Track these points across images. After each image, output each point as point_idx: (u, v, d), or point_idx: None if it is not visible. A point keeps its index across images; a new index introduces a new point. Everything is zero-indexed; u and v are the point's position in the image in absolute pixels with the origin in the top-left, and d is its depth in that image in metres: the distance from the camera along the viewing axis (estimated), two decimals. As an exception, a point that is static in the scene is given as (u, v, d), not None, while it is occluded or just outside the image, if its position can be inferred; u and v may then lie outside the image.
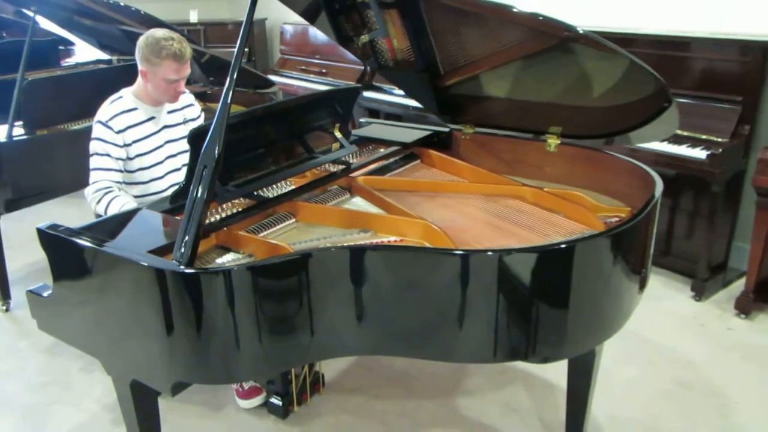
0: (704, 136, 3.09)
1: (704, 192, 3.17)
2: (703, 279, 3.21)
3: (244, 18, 1.72)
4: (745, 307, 3.06)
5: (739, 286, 3.22)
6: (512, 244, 1.78)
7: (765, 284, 3.10)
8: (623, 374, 2.65)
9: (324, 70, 5.17)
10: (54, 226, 1.71)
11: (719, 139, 3.03)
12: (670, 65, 3.26)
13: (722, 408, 2.46)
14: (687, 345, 2.86)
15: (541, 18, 1.73)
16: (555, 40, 1.82)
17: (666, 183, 3.32)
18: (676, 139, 3.13)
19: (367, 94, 4.63)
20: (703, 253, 3.19)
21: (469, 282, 1.54)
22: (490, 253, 1.54)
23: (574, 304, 1.61)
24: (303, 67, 5.38)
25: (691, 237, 3.38)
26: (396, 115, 4.83)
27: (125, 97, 2.40)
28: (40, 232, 1.70)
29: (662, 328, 2.98)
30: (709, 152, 2.95)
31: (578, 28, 1.69)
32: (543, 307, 1.60)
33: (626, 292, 1.76)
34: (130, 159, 2.37)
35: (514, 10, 1.74)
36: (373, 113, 4.96)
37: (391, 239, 1.79)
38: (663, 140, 3.13)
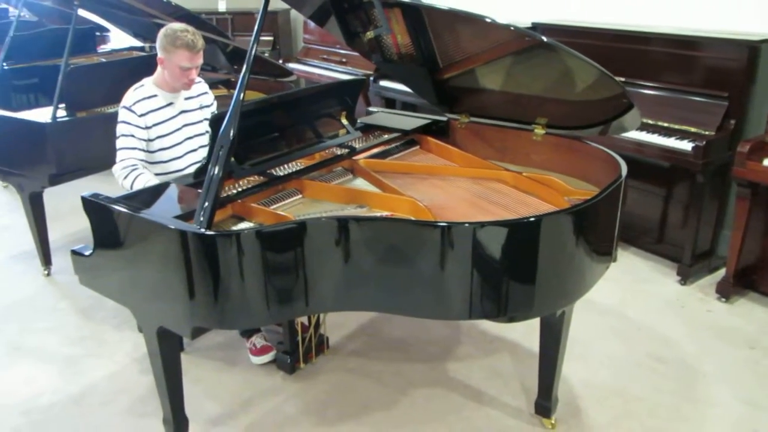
0: (693, 129, 3.28)
1: (693, 182, 3.37)
2: (688, 264, 3.42)
3: (272, 12, 1.98)
4: (725, 291, 3.27)
5: (724, 272, 3.42)
6: (487, 219, 2.03)
7: (745, 270, 3.30)
8: (602, 347, 2.89)
9: (344, 60, 5.40)
10: (96, 195, 2.01)
11: (706, 132, 3.23)
12: (661, 61, 3.47)
13: (691, 380, 2.68)
14: (666, 324, 3.08)
15: (512, 28, 1.97)
16: (532, 42, 2.06)
17: (660, 173, 3.58)
18: (666, 132, 3.34)
19: (383, 83, 4.87)
20: (688, 241, 3.40)
21: (446, 251, 1.80)
22: (466, 225, 1.80)
23: (540, 272, 1.85)
24: (325, 56, 5.62)
25: (681, 225, 3.59)
26: (411, 104, 5.08)
27: (146, 85, 2.68)
28: (84, 199, 2.00)
29: (645, 308, 3.21)
30: (694, 144, 3.15)
31: (543, 38, 1.92)
32: (512, 273, 1.85)
33: (588, 263, 1.99)
34: (151, 140, 2.65)
35: (488, 20, 1.98)
36: (390, 102, 5.20)
37: (383, 214, 2.06)
38: (654, 132, 3.34)
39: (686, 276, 3.44)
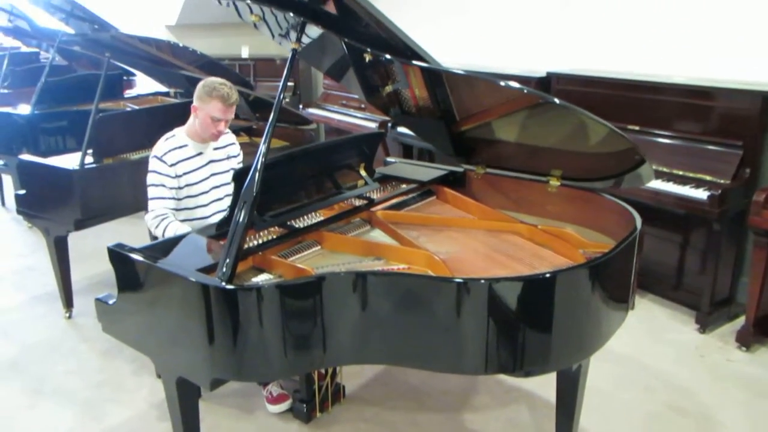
0: (708, 177, 3.31)
1: (710, 230, 3.38)
2: (707, 312, 3.40)
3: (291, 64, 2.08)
4: (745, 340, 3.24)
5: (743, 320, 3.39)
6: (503, 274, 2.06)
7: (765, 318, 3.27)
8: (620, 396, 2.87)
9: (363, 106, 5.50)
10: (121, 246, 2.07)
11: (721, 181, 3.25)
12: (675, 110, 3.52)
13: (711, 431, 2.66)
14: (685, 373, 3.05)
15: (526, 91, 2.04)
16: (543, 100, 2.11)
17: (676, 220, 3.59)
18: (682, 180, 3.36)
19: (402, 129, 4.95)
20: (706, 288, 3.39)
21: (461, 306, 1.82)
22: (481, 281, 1.83)
23: (556, 327, 1.87)
24: (344, 102, 5.74)
25: (698, 272, 3.58)
26: (428, 150, 5.15)
27: (177, 135, 2.77)
28: (110, 250, 2.06)
29: (664, 357, 3.19)
30: (709, 193, 3.17)
31: (555, 99, 1.98)
32: (528, 328, 1.86)
33: (605, 316, 2.01)
34: (180, 188, 2.74)
35: (502, 83, 2.05)
36: (407, 147, 5.29)
37: (400, 267, 2.09)
38: (669, 180, 3.37)
39: (705, 324, 3.41)
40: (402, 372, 3.05)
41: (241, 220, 1.90)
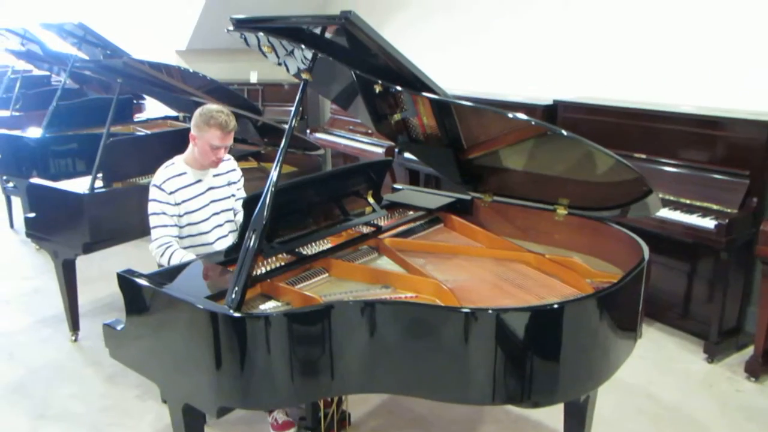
0: (715, 207, 3.31)
1: (718, 259, 3.37)
2: (715, 342, 3.37)
3: (299, 85, 2.11)
4: (754, 370, 3.22)
5: (752, 350, 3.37)
6: (510, 304, 2.06)
7: (775, 349, 3.25)
8: (628, 427, 2.84)
9: (369, 131, 5.54)
10: (130, 272, 2.08)
11: (728, 210, 3.25)
12: (681, 139, 3.53)
13: (719, 465, 2.63)
14: (694, 404, 3.03)
15: (533, 122, 2.06)
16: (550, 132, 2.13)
17: (683, 249, 3.58)
18: (689, 209, 3.36)
19: (408, 155, 4.97)
20: (714, 317, 3.37)
21: (469, 335, 1.82)
22: (489, 311, 1.83)
23: (564, 357, 1.86)
24: (351, 127, 5.79)
25: (706, 301, 3.56)
26: (435, 176, 5.17)
27: (177, 163, 2.79)
28: (119, 276, 2.07)
29: (672, 387, 3.16)
30: (717, 222, 3.17)
31: (562, 131, 2.00)
32: (535, 358, 1.85)
33: (613, 347, 2.00)
34: (180, 216, 2.75)
35: (510, 115, 2.07)
36: (414, 173, 5.32)
37: (408, 295, 2.10)
38: (676, 209, 3.37)
39: (713, 354, 3.39)
40: (408, 400, 3.03)
41: (250, 247, 1.91)
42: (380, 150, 5.25)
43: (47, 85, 7.15)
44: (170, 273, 2.15)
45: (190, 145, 2.76)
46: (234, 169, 2.98)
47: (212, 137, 2.67)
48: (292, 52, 2.28)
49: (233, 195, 2.93)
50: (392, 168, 5.27)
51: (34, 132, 4.67)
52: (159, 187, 2.71)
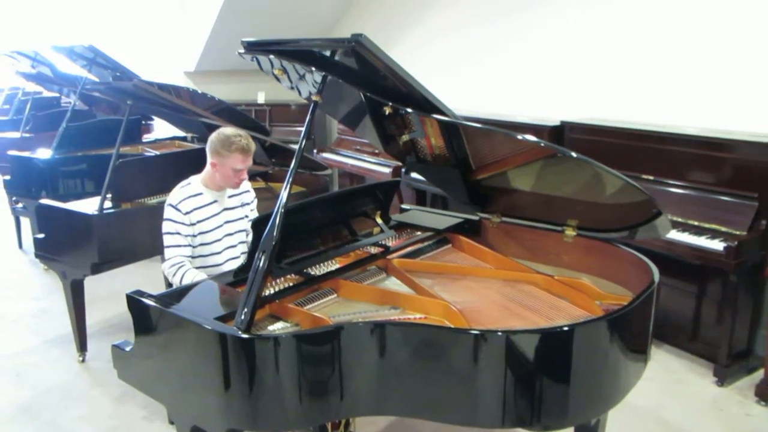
0: (724, 229, 3.30)
1: (727, 281, 3.35)
2: (725, 365, 3.34)
3: (307, 105, 2.13)
4: (765, 394, 3.18)
5: (762, 373, 3.33)
6: (520, 325, 2.05)
7: (786, 372, 3.22)
8: (638, 452, 2.81)
9: (376, 151, 5.56)
10: (139, 293, 2.08)
11: (737, 232, 3.24)
12: (688, 160, 3.54)
13: (732, 490, 2.59)
14: (704, 428, 2.99)
15: (543, 144, 2.07)
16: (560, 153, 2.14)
17: (691, 270, 3.56)
18: (697, 230, 3.35)
19: (415, 175, 4.99)
20: (724, 340, 3.34)
21: (478, 357, 1.82)
22: (499, 333, 1.82)
23: (574, 380, 1.85)
24: (358, 147, 5.81)
25: (715, 323, 3.54)
26: (442, 196, 5.18)
27: (193, 183, 2.81)
28: (128, 297, 2.08)
29: (682, 410, 3.13)
30: (726, 244, 3.16)
31: (571, 153, 2.00)
32: (545, 381, 1.84)
33: (623, 370, 1.99)
34: (194, 236, 2.76)
35: (519, 137, 2.08)
36: (420, 193, 5.33)
37: (417, 316, 2.09)
38: (684, 231, 3.36)
39: (723, 377, 3.36)
40: (416, 421, 3.00)
41: (260, 268, 1.91)
42: (387, 170, 5.27)
43: (57, 107, 7.23)
44: (179, 293, 2.16)
45: (207, 166, 2.77)
46: (248, 191, 2.99)
47: (234, 162, 2.68)
48: (303, 76, 2.30)
49: (246, 216, 2.94)
50: (400, 190, 5.28)
51: (44, 153, 4.72)
52: (175, 207, 2.72)
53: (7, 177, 4.96)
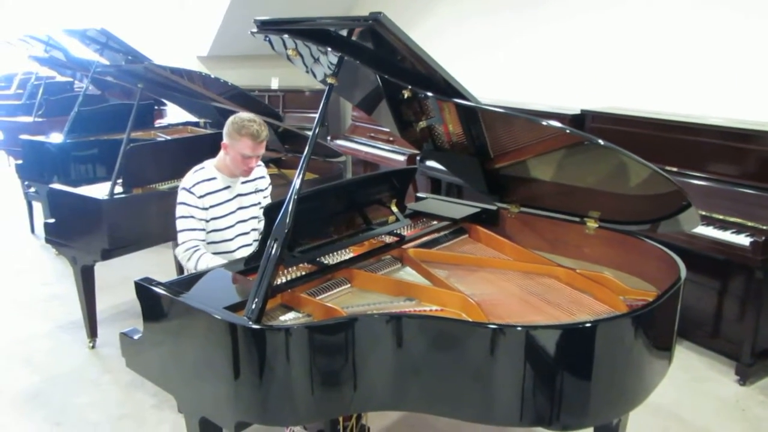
0: (750, 223, 3.19)
1: (751, 276, 3.25)
2: (748, 363, 3.25)
3: (321, 90, 2.06)
4: (789, 393, 3.09)
5: (787, 372, 3.26)
6: (540, 320, 1.97)
7: (811, 372, 3.12)
8: (658, 451, 2.73)
9: (391, 138, 5.49)
10: (148, 280, 2.02)
11: (764, 227, 3.13)
12: (713, 152, 3.43)
13: (755, 492, 2.51)
14: (726, 428, 2.90)
15: (568, 131, 1.98)
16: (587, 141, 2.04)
17: (713, 265, 3.45)
18: (722, 224, 3.25)
19: (430, 163, 4.91)
20: (747, 338, 3.25)
21: (497, 352, 1.74)
22: (519, 327, 1.75)
23: (596, 378, 1.77)
24: (372, 134, 5.74)
25: (738, 321, 3.44)
26: (457, 185, 5.10)
27: (207, 167, 2.75)
28: (137, 284, 2.02)
29: (702, 410, 3.04)
30: (752, 239, 3.05)
31: (599, 140, 1.91)
32: (566, 379, 1.77)
33: (647, 369, 1.91)
34: (207, 221, 2.71)
35: (543, 123, 1.99)
36: (435, 182, 5.25)
37: (433, 308, 2.02)
38: (709, 225, 3.26)
39: (745, 376, 3.27)
40: (430, 416, 2.93)
41: (272, 256, 1.84)
42: (402, 157, 5.20)
43: (70, 92, 7.20)
44: (189, 281, 2.10)
45: (222, 151, 2.72)
46: (263, 177, 2.93)
47: (243, 147, 2.62)
48: (318, 59, 2.22)
49: (260, 203, 2.88)
50: (415, 180, 5.20)
51: (56, 138, 4.68)
52: (188, 191, 2.67)
53: (20, 161, 4.95)
